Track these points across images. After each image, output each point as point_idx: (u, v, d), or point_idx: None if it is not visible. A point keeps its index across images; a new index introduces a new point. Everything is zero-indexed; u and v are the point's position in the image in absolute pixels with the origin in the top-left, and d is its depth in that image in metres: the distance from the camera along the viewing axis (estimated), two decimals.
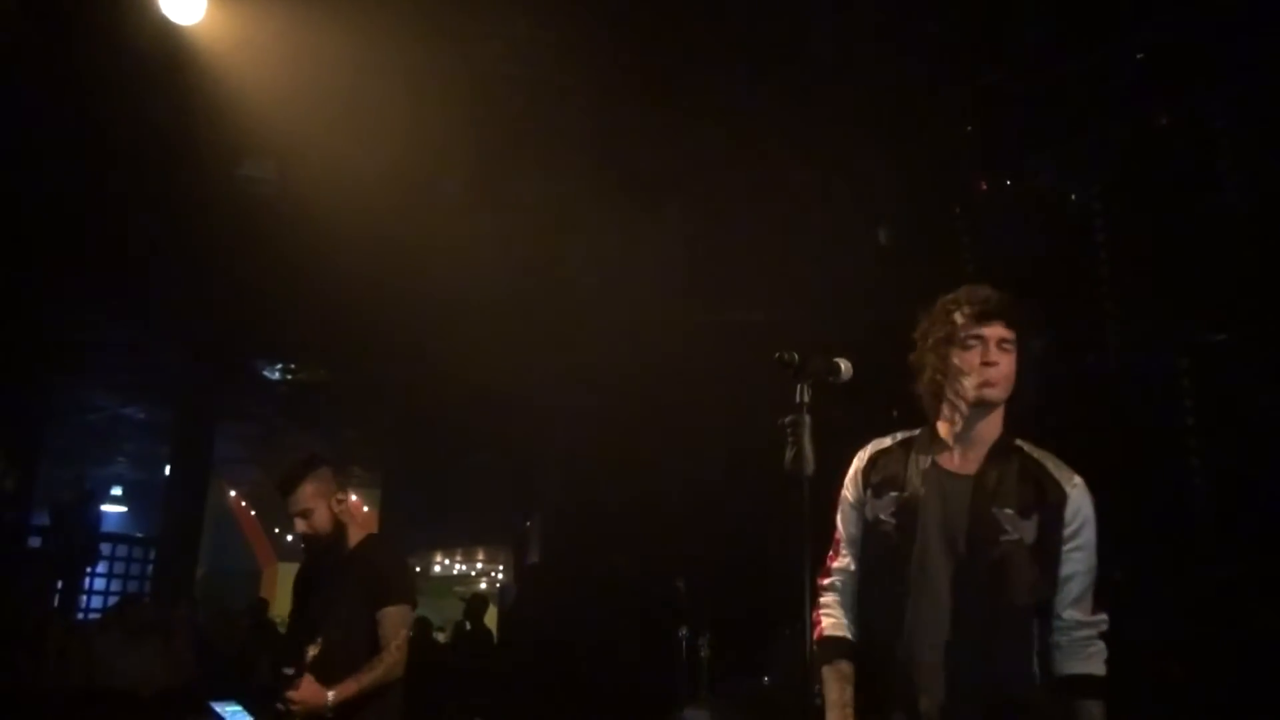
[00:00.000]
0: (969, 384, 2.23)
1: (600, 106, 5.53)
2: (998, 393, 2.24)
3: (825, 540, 2.39)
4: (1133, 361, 5.16)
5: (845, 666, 2.28)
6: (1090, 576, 2.18)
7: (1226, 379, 4.82)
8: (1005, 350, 2.25)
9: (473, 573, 19.98)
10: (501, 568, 17.60)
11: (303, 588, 3.57)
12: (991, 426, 2.28)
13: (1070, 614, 2.16)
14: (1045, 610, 2.16)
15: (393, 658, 3.23)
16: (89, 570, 11.04)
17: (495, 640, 9.40)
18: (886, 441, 2.40)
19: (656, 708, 5.34)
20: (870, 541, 2.29)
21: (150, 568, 11.75)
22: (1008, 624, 2.13)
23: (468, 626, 9.04)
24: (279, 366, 9.79)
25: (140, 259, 7.17)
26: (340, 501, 3.44)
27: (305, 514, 3.36)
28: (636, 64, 5.23)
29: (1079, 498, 2.20)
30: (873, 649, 2.23)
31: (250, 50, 5.10)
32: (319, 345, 9.07)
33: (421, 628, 9.65)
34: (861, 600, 2.28)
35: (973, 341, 2.26)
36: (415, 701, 3.42)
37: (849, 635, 2.32)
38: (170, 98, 5.35)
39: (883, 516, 2.27)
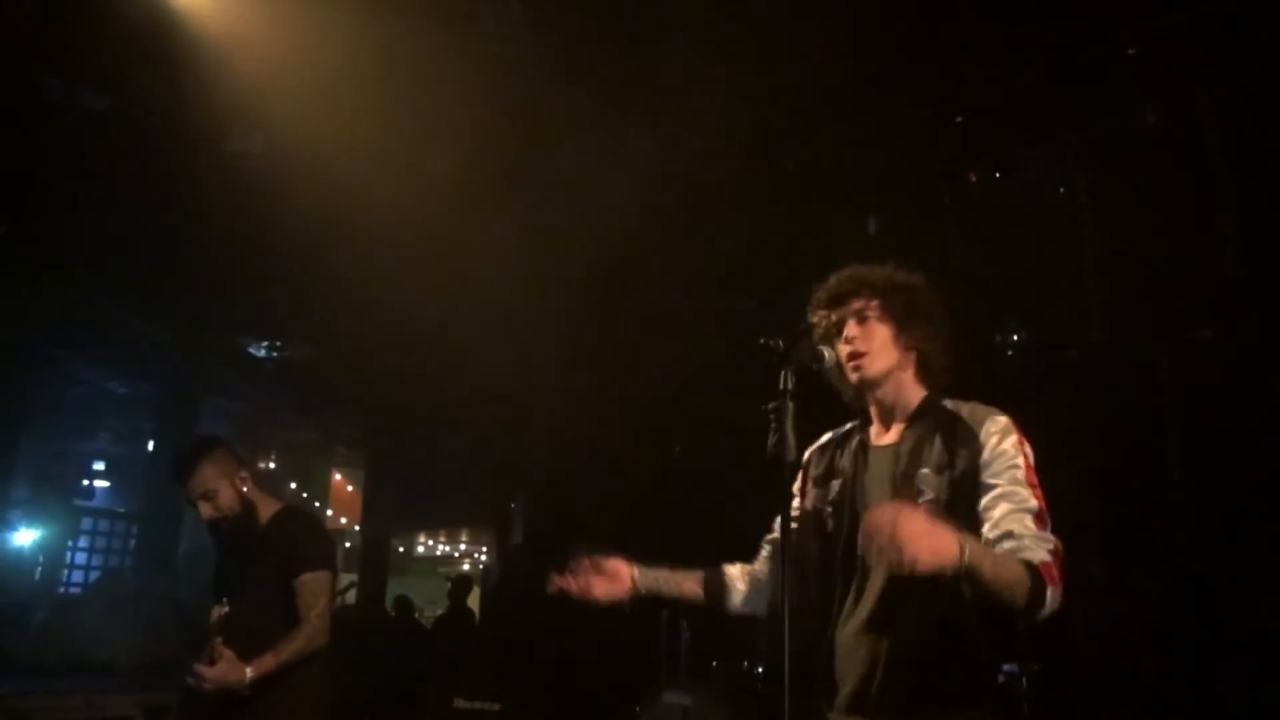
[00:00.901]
0: (847, 370, 2.21)
1: (591, 85, 5.50)
2: (870, 366, 2.18)
3: None
4: (1116, 355, 5.19)
5: (696, 573, 2.42)
6: (1019, 504, 1.96)
7: (1209, 375, 4.86)
8: (864, 320, 2.21)
9: (456, 554, 20.03)
10: (485, 549, 17.64)
11: (220, 572, 3.41)
12: (907, 393, 2.23)
13: (991, 533, 1.94)
14: None
15: (312, 627, 3.12)
16: (70, 545, 11.02)
17: (477, 621, 9.42)
18: (829, 435, 2.38)
19: (637, 691, 5.36)
20: (813, 532, 2.23)
21: (133, 543, 11.72)
22: (937, 595, 1.96)
23: (451, 605, 9.07)
24: (265, 344, 9.74)
25: (126, 234, 7.12)
26: (244, 479, 3.28)
27: (208, 496, 3.22)
28: (627, 46, 5.22)
29: (992, 434, 2.05)
30: (810, 635, 2.13)
31: (240, 25, 5.06)
32: (305, 324, 9.04)
33: (403, 607, 9.68)
34: (798, 592, 2.09)
35: (835, 328, 2.25)
36: (396, 680, 3.41)
37: (732, 572, 2.44)
38: (159, 72, 5.31)
39: (821, 506, 2.24)
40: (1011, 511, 1.96)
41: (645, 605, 5.68)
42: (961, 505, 2.02)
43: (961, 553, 1.77)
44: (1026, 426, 2.27)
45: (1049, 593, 1.86)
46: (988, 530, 1.96)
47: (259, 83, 5.31)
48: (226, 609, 3.11)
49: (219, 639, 3.05)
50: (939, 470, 2.08)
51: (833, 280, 2.28)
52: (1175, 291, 4.96)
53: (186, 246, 7.27)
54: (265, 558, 3.24)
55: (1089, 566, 5.02)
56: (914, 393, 2.23)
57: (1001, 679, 4.27)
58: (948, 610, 1.99)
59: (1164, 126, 5.00)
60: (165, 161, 6.13)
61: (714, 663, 5.51)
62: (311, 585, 3.18)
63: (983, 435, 2.06)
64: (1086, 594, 5.00)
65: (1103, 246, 5.20)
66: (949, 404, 2.20)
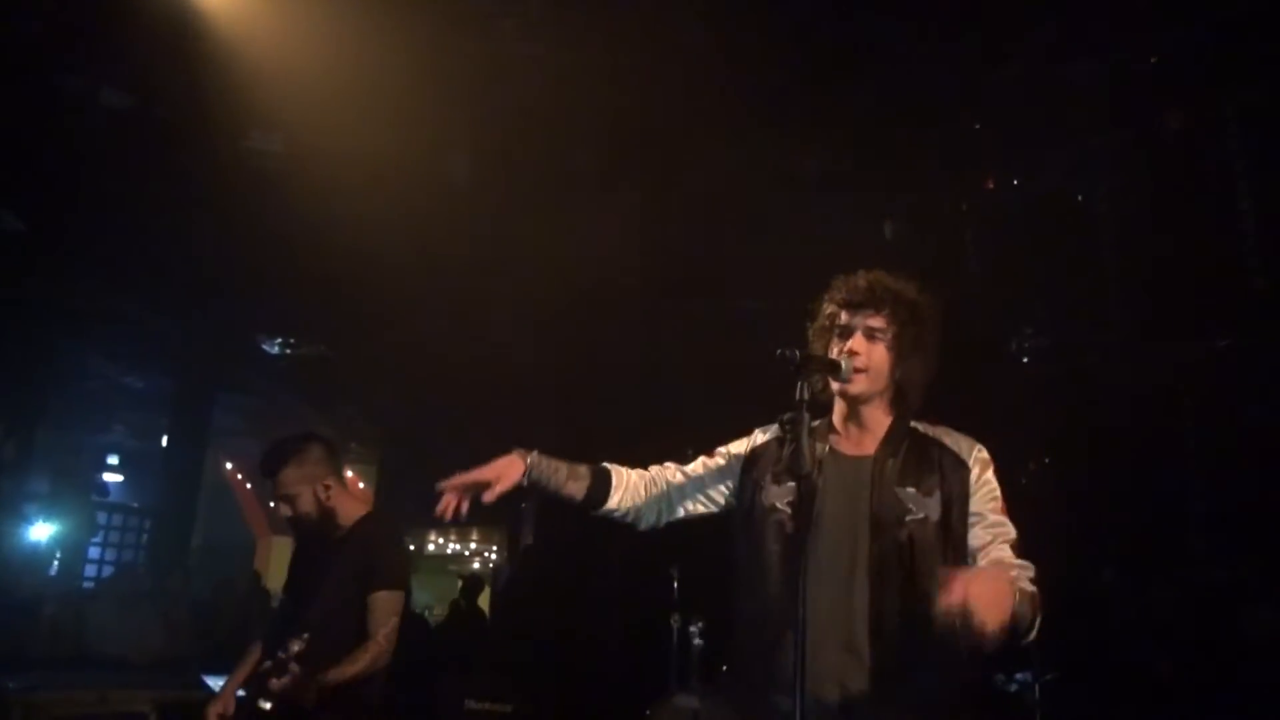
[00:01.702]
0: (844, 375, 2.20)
1: (611, 87, 5.48)
2: (860, 384, 2.19)
3: None
4: (1133, 363, 5.16)
5: (584, 471, 2.38)
6: (1005, 537, 2.11)
7: (1227, 384, 4.82)
8: (875, 339, 2.20)
9: (466, 552, 20.05)
10: (495, 548, 17.65)
11: (294, 569, 3.42)
12: (878, 413, 2.24)
13: (983, 560, 2.08)
14: None
15: (379, 647, 3.07)
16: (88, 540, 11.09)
17: (487, 621, 9.43)
18: (773, 429, 2.36)
19: (648, 693, 5.36)
20: (763, 529, 2.20)
21: (146, 537, 11.77)
22: (928, 612, 1.96)
23: (463, 605, 9.07)
24: (279, 341, 9.77)
25: (143, 229, 7.14)
26: (328, 487, 3.23)
27: (288, 499, 3.20)
28: (648, 47, 5.19)
29: (982, 462, 2.17)
30: (761, 637, 2.13)
31: (259, 22, 5.07)
32: (319, 321, 9.06)
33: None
34: (748, 591, 2.18)
35: (842, 330, 2.24)
36: (405, 679, 3.37)
37: (621, 475, 2.42)
38: (178, 68, 5.32)
39: (779, 505, 2.21)
40: (997, 541, 2.10)
41: (656, 609, 5.69)
42: (951, 527, 2.10)
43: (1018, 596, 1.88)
44: (1042, 433, 2.28)
45: (1035, 618, 2.00)
46: (980, 559, 2.08)
47: (279, 81, 5.31)
48: (304, 643, 2.98)
49: (294, 660, 2.95)
50: (927, 492, 2.12)
51: (860, 282, 2.26)
52: (1194, 299, 4.92)
53: (202, 243, 7.29)
54: (343, 565, 3.18)
55: (1103, 575, 5.00)
56: (882, 414, 2.26)
57: (1014, 688, 4.26)
58: (926, 621, 1.97)
59: (1185, 134, 4.96)
60: (182, 158, 6.15)
61: (724, 666, 5.51)
62: (384, 604, 3.12)
63: (972, 464, 2.16)
64: (1101, 602, 4.97)
65: (1121, 253, 5.17)
66: (920, 426, 2.25)
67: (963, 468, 2.15)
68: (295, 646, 2.99)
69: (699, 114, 5.40)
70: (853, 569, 2.10)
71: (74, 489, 10.26)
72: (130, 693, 5.09)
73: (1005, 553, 2.07)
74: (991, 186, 5.69)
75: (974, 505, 2.12)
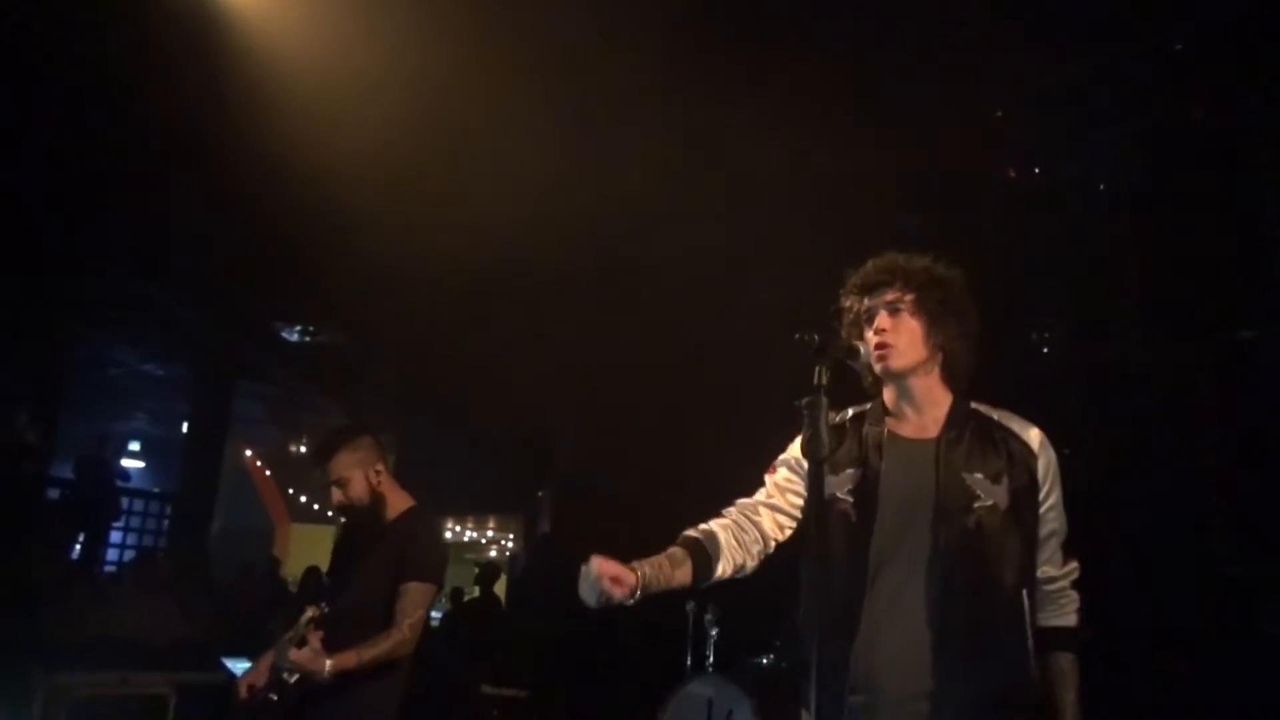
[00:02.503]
0: (871, 359, 2.18)
1: (627, 60, 5.43)
2: (896, 359, 2.16)
3: None
4: (1155, 355, 5.12)
5: (678, 551, 2.15)
6: (1064, 532, 2.13)
7: (1250, 376, 4.77)
8: (896, 313, 2.18)
9: (483, 540, 20.14)
10: (512, 536, 17.72)
11: (338, 556, 3.52)
12: (934, 390, 2.20)
13: (1044, 570, 2.10)
14: (1030, 578, 2.06)
15: (402, 635, 3.10)
16: (110, 524, 11.19)
17: (504, 608, 9.48)
18: (836, 418, 2.30)
19: (664, 681, 5.38)
20: (836, 523, 2.13)
21: (167, 523, 11.89)
22: (997, 602, 2.00)
23: (477, 593, 9.12)
24: (297, 328, 9.82)
25: (163, 216, 7.19)
26: (379, 473, 3.33)
27: (340, 483, 3.28)
28: (667, 22, 5.14)
29: (1047, 453, 2.13)
30: (829, 631, 2.03)
31: (278, 13, 5.08)
32: (337, 309, 9.10)
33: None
34: (814, 585, 2.02)
35: (867, 316, 2.23)
36: (419, 665, 3.40)
37: (699, 535, 2.21)
38: (197, 53, 5.34)
39: (839, 494, 2.16)
40: (1057, 547, 2.12)
41: (672, 597, 5.70)
42: (1020, 517, 2.07)
43: None
44: (1062, 425, 2.26)
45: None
46: (1038, 564, 2.09)
47: (297, 65, 5.33)
48: (325, 611, 3.11)
49: (313, 629, 3.05)
50: (994, 478, 2.07)
51: (869, 266, 2.25)
52: (1217, 291, 4.87)
53: (222, 231, 7.33)
54: (382, 553, 3.25)
55: (1121, 571, 4.96)
56: (939, 391, 2.21)
57: None
58: (1003, 601, 2.01)
59: (1210, 123, 4.90)
60: (201, 146, 6.17)
61: (740, 655, 5.52)
62: (415, 594, 3.17)
63: (1038, 452, 2.13)
64: (1119, 599, 4.94)
65: (1143, 244, 5.12)
66: (980, 408, 2.20)
67: (1031, 456, 2.12)
68: (309, 612, 3.09)
69: (714, 103, 5.37)
70: (917, 557, 2.06)
71: (95, 474, 10.34)
72: (150, 675, 5.17)
73: (1058, 562, 2.11)
74: (1013, 175, 5.65)
75: (1041, 496, 2.11)
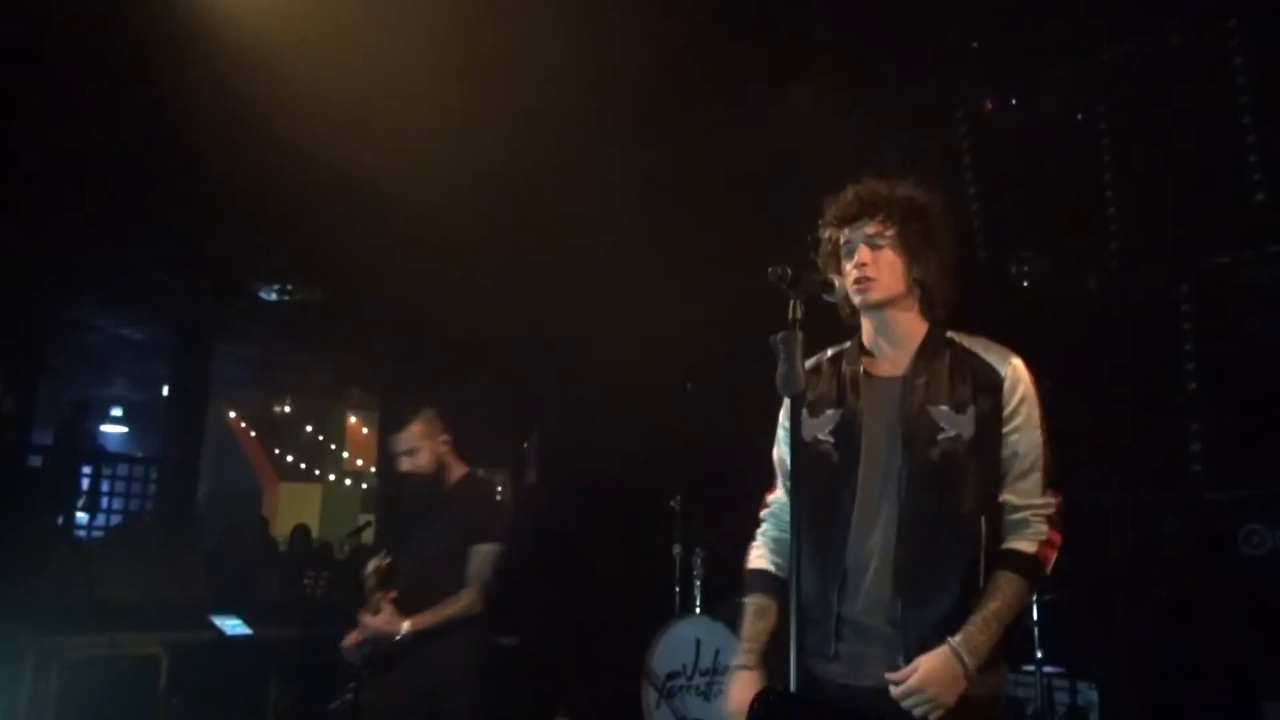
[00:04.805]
0: (850, 291, 2.15)
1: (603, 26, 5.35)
2: (876, 292, 2.13)
3: None
4: (1134, 284, 5.13)
5: (761, 600, 2.23)
6: (1033, 457, 2.05)
7: (1228, 302, 4.79)
8: (878, 246, 2.14)
9: None
10: (500, 488, 17.80)
11: (399, 518, 3.77)
12: (912, 323, 2.18)
13: (1006, 497, 2.04)
14: (991, 504, 2.04)
15: (472, 595, 3.36)
16: (96, 489, 11.16)
17: None
18: (814, 359, 2.29)
19: (651, 623, 5.43)
20: (809, 464, 2.10)
21: (152, 487, 11.86)
22: (952, 528, 2.01)
23: None
24: (275, 287, 9.72)
25: (135, 177, 7.06)
26: (445, 443, 3.58)
27: (410, 453, 3.51)
28: None
29: (1014, 377, 2.08)
30: (815, 574, 2.08)
31: None
32: (315, 266, 9.01)
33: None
34: (803, 527, 1.98)
35: (846, 248, 2.19)
36: None
37: (771, 568, 2.28)
38: (167, 12, 5.21)
39: (820, 436, 2.16)
40: (1024, 474, 2.05)
41: (658, 540, 5.71)
42: (984, 445, 2.04)
43: (970, 671, 1.91)
44: (1043, 357, 2.24)
45: (1046, 569, 2.03)
46: (1003, 489, 2.05)
47: (267, 20, 5.23)
48: (388, 560, 3.43)
49: (384, 591, 3.34)
50: (959, 408, 2.05)
51: (850, 195, 2.20)
52: (1195, 218, 4.86)
53: (195, 189, 7.21)
54: (445, 519, 3.50)
55: (1103, 498, 5.02)
56: (916, 324, 2.19)
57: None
58: (958, 527, 2.01)
59: (1187, 49, 4.85)
60: (172, 105, 6.05)
61: (727, 595, 5.57)
62: (484, 555, 3.44)
63: (1006, 378, 2.08)
64: (1100, 526, 5.01)
65: (1121, 172, 5.10)
66: (954, 337, 2.17)
67: (997, 381, 2.07)
68: (373, 564, 3.43)
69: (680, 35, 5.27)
70: (887, 493, 2.07)
71: (75, 440, 10.29)
72: (141, 636, 5.17)
73: (1024, 491, 2.04)
74: (990, 108, 5.59)
75: (1007, 426, 2.05)
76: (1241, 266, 4.74)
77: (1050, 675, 4.29)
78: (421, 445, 3.53)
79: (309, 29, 5.30)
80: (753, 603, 2.26)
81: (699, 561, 5.43)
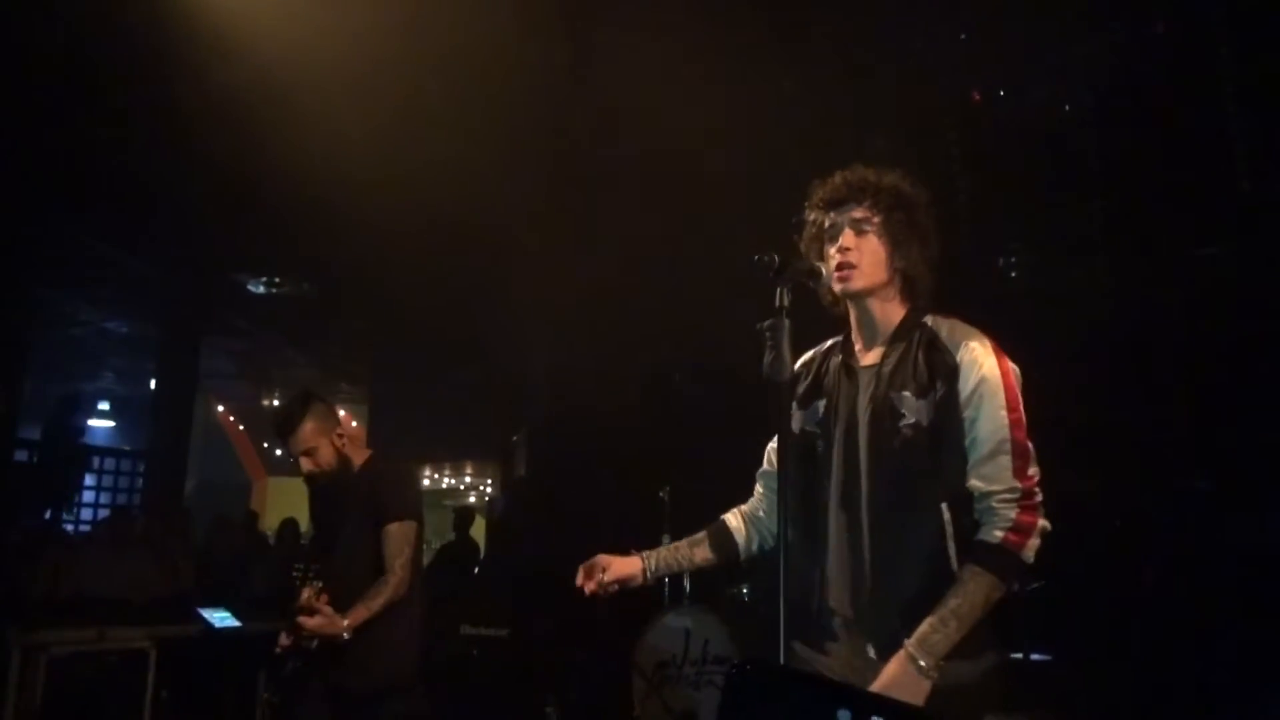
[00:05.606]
0: (832, 279, 2.14)
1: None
2: (857, 280, 2.11)
3: None
4: (1119, 275, 5.14)
5: (700, 534, 2.43)
6: (996, 440, 1.97)
7: (1214, 292, 4.81)
8: (863, 232, 2.12)
9: (461, 486, 20.22)
10: (490, 481, 17.79)
11: (317, 520, 3.61)
12: (892, 313, 2.17)
13: (975, 483, 1.97)
14: (956, 491, 1.99)
15: (397, 577, 3.26)
16: (79, 484, 11.09)
17: (482, 552, 9.53)
18: (810, 353, 2.31)
19: (640, 614, 5.44)
20: (797, 455, 2.14)
21: (140, 481, 11.82)
22: (916, 516, 2.00)
23: (453, 536, 9.17)
24: (263, 280, 9.69)
25: (120, 171, 7.02)
26: (340, 436, 3.44)
27: (309, 453, 3.37)
28: None
29: (970, 360, 2.01)
30: (797, 562, 2.09)
31: None
32: (302, 259, 8.97)
33: None
34: (790, 516, 2.00)
35: (830, 232, 2.17)
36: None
37: (731, 522, 2.43)
38: (153, 9, 5.18)
39: (808, 427, 2.19)
40: (986, 458, 1.97)
41: (648, 532, 5.70)
42: (944, 431, 2.00)
43: (930, 677, 1.88)
44: (1028, 347, 2.23)
45: (1021, 557, 1.94)
46: (969, 475, 1.98)
47: (255, 13, 5.20)
48: (320, 586, 3.29)
49: (317, 593, 3.24)
50: (920, 393, 2.03)
51: (838, 179, 2.18)
52: (1181, 209, 4.88)
53: (182, 183, 7.18)
54: (357, 508, 3.39)
55: (1087, 486, 5.04)
56: (896, 310, 2.17)
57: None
58: (922, 514, 2.00)
59: (1172, 38, 4.87)
60: (159, 96, 6.01)
61: (717, 586, 5.59)
62: (396, 535, 3.32)
63: (961, 359, 2.02)
64: (1084, 513, 5.03)
65: (1107, 164, 5.11)
66: (929, 320, 2.15)
67: (953, 365, 2.03)
68: (305, 594, 3.29)
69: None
70: (857, 480, 2.08)
71: (62, 434, 10.23)
72: (128, 630, 5.14)
73: (990, 476, 1.96)
74: (977, 99, 5.60)
75: (966, 410, 1.99)
76: (1227, 257, 4.76)
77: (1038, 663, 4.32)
78: (319, 442, 3.38)
79: (296, 25, 5.28)
80: (698, 535, 2.44)
81: None
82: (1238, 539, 4.63)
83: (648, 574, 2.34)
